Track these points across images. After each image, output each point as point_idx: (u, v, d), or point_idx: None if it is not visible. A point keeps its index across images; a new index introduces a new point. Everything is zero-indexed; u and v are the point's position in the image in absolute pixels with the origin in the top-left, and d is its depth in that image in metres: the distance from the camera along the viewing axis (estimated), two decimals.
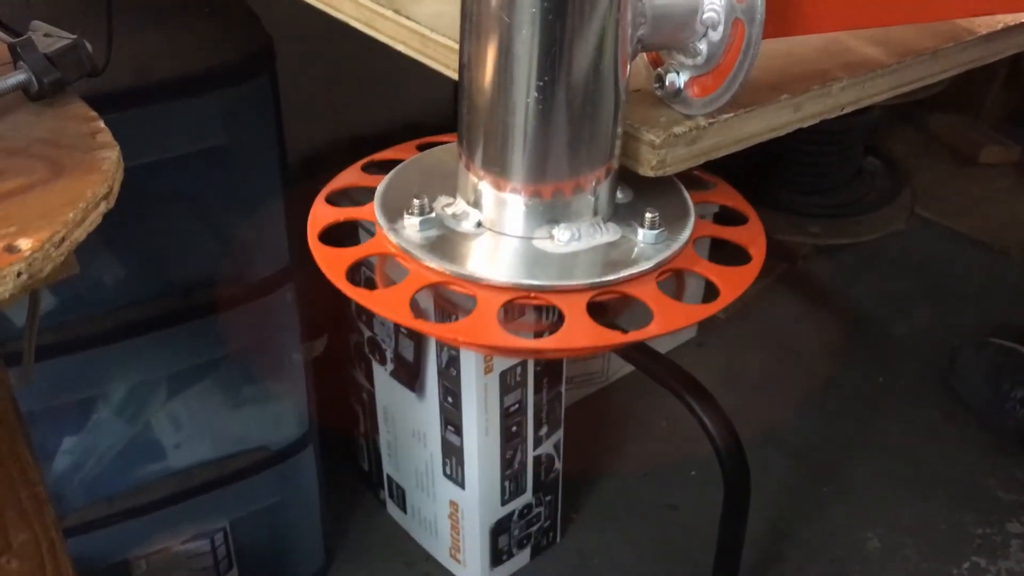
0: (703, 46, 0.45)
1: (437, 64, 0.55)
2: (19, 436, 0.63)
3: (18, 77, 0.51)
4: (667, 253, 0.46)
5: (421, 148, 0.55)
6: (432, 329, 0.43)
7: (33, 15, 0.59)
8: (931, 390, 1.51)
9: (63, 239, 0.43)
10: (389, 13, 0.57)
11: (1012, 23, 0.59)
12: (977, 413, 1.46)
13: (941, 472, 1.38)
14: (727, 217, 0.53)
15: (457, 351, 1.06)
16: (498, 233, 0.46)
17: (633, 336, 0.43)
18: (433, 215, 0.46)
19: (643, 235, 0.46)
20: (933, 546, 1.28)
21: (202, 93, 0.89)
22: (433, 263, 0.44)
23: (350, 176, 0.53)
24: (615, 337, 0.43)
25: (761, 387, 1.52)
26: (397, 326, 1.12)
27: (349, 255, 0.46)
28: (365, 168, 0.55)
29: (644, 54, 0.49)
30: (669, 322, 0.43)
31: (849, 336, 1.64)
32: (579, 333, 0.43)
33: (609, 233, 0.46)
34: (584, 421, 1.39)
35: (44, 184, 0.46)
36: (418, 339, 1.10)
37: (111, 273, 0.97)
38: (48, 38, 0.53)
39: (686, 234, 0.47)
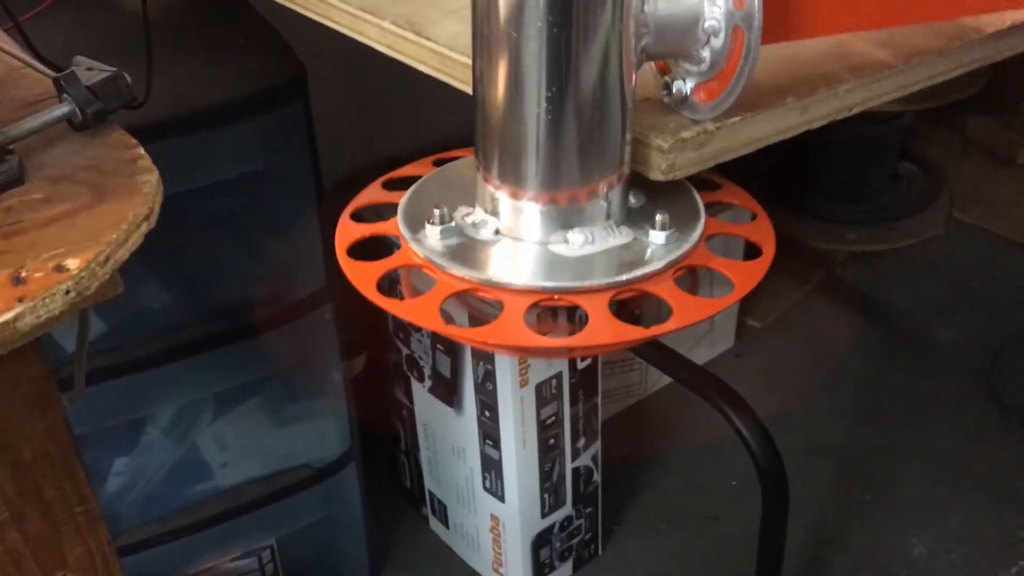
0: (706, 53, 0.46)
1: (456, 81, 0.57)
2: (73, 455, 0.65)
3: (63, 109, 0.55)
4: (679, 252, 0.47)
5: (437, 163, 0.57)
6: (462, 333, 0.45)
7: (76, 51, 0.63)
8: (974, 394, 1.50)
9: (108, 258, 0.46)
10: (411, 35, 0.60)
11: (1020, 21, 0.60)
12: (1020, 417, 1.44)
13: (986, 476, 1.37)
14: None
15: (493, 365, 1.08)
16: (515, 239, 0.48)
17: (654, 331, 0.45)
18: (453, 224, 0.48)
19: (654, 236, 0.47)
20: (979, 551, 1.26)
21: (238, 121, 0.92)
22: (457, 271, 0.46)
23: (372, 193, 0.56)
24: (637, 332, 0.45)
25: (802, 395, 1.51)
26: (434, 343, 1.14)
27: (377, 268, 0.48)
28: (385, 185, 0.57)
29: (652, 63, 0.51)
30: (687, 316, 0.44)
31: (890, 342, 1.63)
32: (603, 330, 0.44)
33: (622, 236, 0.48)
34: (623, 433, 1.40)
35: (89, 208, 0.49)
36: (455, 355, 1.12)
37: (156, 298, 1.00)
38: (90, 71, 0.56)
39: (697, 233, 0.49)
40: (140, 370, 0.99)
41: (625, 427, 1.44)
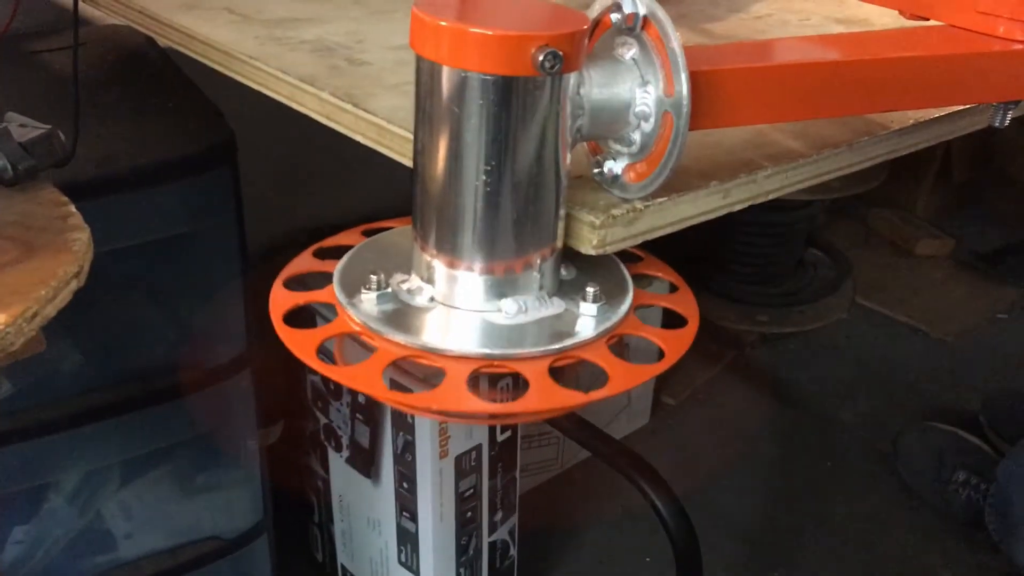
0: (637, 136, 0.49)
1: (393, 153, 0.59)
2: None
3: None
4: (610, 322, 0.49)
5: (367, 233, 0.58)
6: (404, 400, 0.45)
7: (5, 108, 0.62)
8: (877, 474, 1.55)
9: (35, 314, 0.46)
10: (349, 107, 0.61)
11: (922, 119, 0.65)
12: (921, 496, 1.49)
13: (888, 554, 1.40)
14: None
15: (413, 436, 1.08)
16: (450, 307, 0.49)
17: (593, 396, 0.46)
18: (389, 290, 0.49)
19: (585, 308, 0.49)
20: None
21: (165, 183, 0.92)
22: (395, 336, 0.47)
23: (304, 262, 0.56)
24: (577, 397, 0.46)
25: (713, 473, 1.54)
26: (353, 412, 1.13)
27: (316, 335, 0.48)
28: (316, 254, 0.58)
29: (584, 144, 0.53)
30: (623, 382, 0.46)
31: (796, 422, 1.67)
32: (544, 395, 0.45)
33: (554, 306, 0.49)
34: (539, 508, 1.40)
35: (16, 264, 0.49)
36: (374, 424, 1.11)
37: (68, 359, 0.98)
38: (23, 128, 0.56)
39: (627, 303, 0.50)
40: (46, 434, 0.95)
41: (541, 502, 1.44)
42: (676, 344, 0.49)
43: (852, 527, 1.45)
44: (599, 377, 0.46)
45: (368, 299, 0.48)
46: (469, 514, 1.15)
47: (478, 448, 1.13)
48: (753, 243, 1.80)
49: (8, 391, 0.94)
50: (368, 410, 1.11)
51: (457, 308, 0.49)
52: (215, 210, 0.97)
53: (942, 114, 0.66)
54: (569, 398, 0.45)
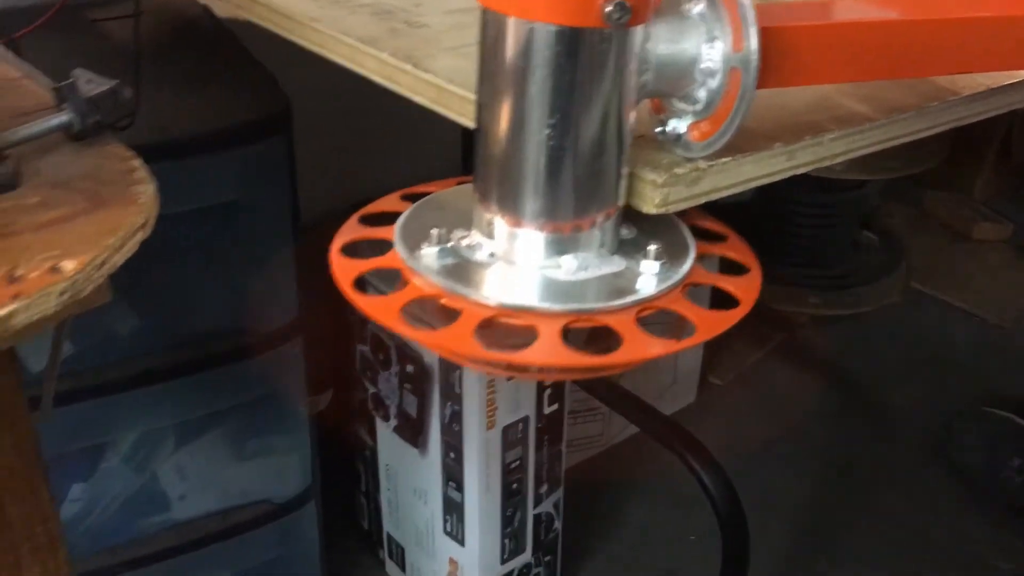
0: (702, 93, 0.48)
1: (451, 113, 0.59)
2: (38, 472, 0.64)
3: (62, 118, 0.55)
4: (676, 278, 0.49)
5: (406, 198, 0.58)
6: (509, 358, 0.45)
7: (65, 72, 0.63)
8: (929, 460, 1.52)
9: (103, 262, 0.46)
10: (408, 68, 0.61)
11: (993, 85, 0.63)
12: (974, 482, 1.47)
13: (939, 541, 1.38)
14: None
15: (461, 406, 1.08)
16: (509, 262, 0.49)
17: (685, 343, 0.47)
18: (450, 245, 0.49)
19: (646, 265, 0.49)
20: None
21: (221, 150, 0.93)
22: (478, 297, 0.46)
23: (352, 229, 0.56)
24: (671, 345, 0.46)
25: (759, 454, 1.53)
26: (401, 382, 1.14)
27: (396, 300, 0.48)
28: (361, 220, 0.58)
29: (647, 102, 0.52)
30: (710, 329, 0.47)
31: (847, 406, 1.65)
32: (638, 345, 0.46)
33: (614, 264, 0.49)
34: (583, 484, 1.40)
35: (85, 214, 0.50)
36: (422, 394, 1.12)
37: (125, 323, 0.99)
38: (90, 84, 0.57)
39: (690, 259, 0.50)
40: (104, 395, 0.97)
41: (586, 477, 1.44)
42: (747, 291, 0.49)
43: (903, 513, 1.43)
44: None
45: (429, 254, 0.48)
46: (515, 486, 1.16)
47: (525, 420, 1.13)
48: (805, 224, 1.78)
49: (69, 352, 0.96)
50: (416, 380, 1.12)
51: (517, 264, 0.49)
52: (269, 178, 0.98)
53: (1015, 80, 0.64)
54: (662, 346, 0.45)
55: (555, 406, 1.16)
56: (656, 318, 0.49)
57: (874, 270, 1.87)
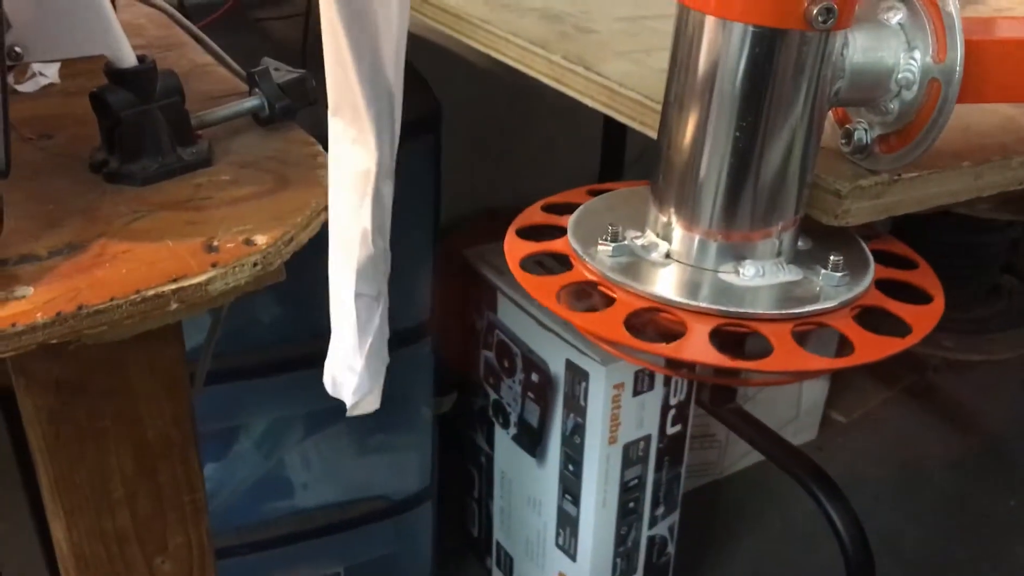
0: (895, 105, 0.47)
1: (623, 117, 0.59)
2: (191, 442, 0.66)
3: (253, 102, 0.57)
4: (853, 293, 0.47)
5: (592, 193, 0.58)
6: (650, 348, 0.45)
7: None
8: None
9: (292, 239, 0.48)
10: (580, 70, 0.62)
11: None
12: None
13: None
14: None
15: (584, 419, 1.08)
16: (684, 264, 0.48)
17: (839, 362, 0.45)
18: (625, 243, 0.49)
19: (826, 277, 0.48)
20: None
21: None
22: (636, 288, 0.46)
23: (532, 214, 0.57)
24: (822, 362, 0.45)
25: (880, 496, 1.47)
26: (525, 390, 1.14)
27: (556, 282, 0.49)
28: (544, 208, 0.58)
29: (832, 111, 0.51)
30: (870, 352, 0.45)
31: (979, 455, 1.58)
32: (788, 356, 0.45)
33: (792, 273, 0.48)
34: (697, 511, 1.38)
35: (273, 193, 0.52)
36: (545, 404, 1.12)
37: (267, 311, 1.03)
38: (278, 71, 0.59)
39: (869, 276, 0.49)
40: (242, 379, 1.00)
41: (699, 504, 1.41)
42: (924, 320, 0.47)
43: None
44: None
45: (604, 250, 0.48)
46: (631, 504, 1.15)
47: (647, 438, 1.12)
48: (944, 263, 1.71)
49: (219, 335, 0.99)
50: (540, 390, 1.12)
51: (691, 266, 0.48)
52: (416, 178, 1.00)
53: None
54: (813, 362, 0.44)
55: (678, 427, 1.15)
56: (816, 334, 0.48)
57: (1013, 316, 1.78)
